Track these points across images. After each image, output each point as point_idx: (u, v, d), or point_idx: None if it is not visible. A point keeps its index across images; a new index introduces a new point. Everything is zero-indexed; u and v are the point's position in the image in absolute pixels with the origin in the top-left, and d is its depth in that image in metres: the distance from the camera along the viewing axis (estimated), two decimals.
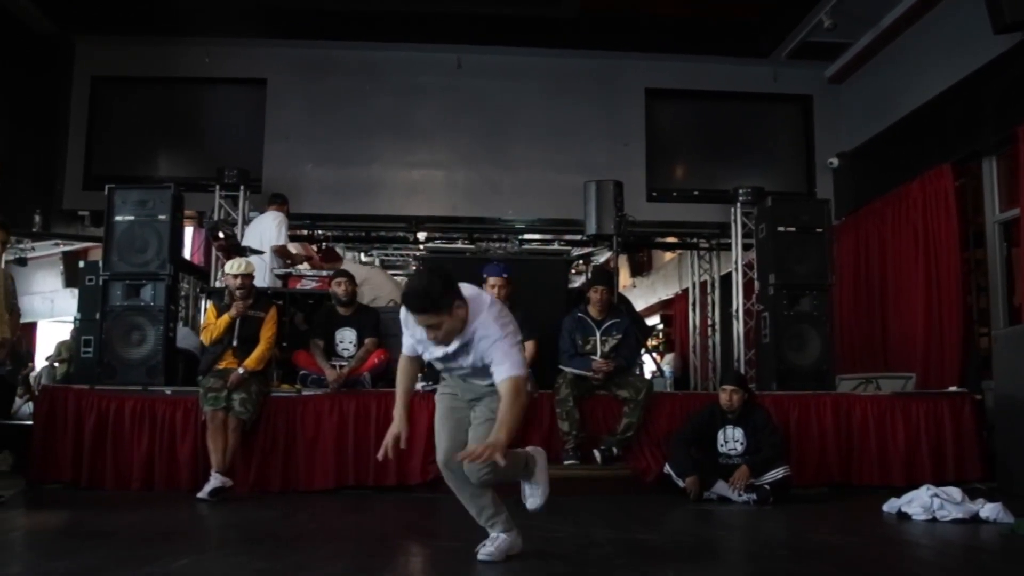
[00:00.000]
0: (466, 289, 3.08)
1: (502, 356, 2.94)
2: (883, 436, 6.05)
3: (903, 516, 4.63)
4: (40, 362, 11.56)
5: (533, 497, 3.33)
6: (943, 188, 7.41)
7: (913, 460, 5.99)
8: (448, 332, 2.97)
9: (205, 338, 5.78)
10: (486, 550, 3.19)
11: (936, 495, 4.59)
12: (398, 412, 3.23)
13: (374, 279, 7.63)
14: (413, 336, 3.20)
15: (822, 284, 6.64)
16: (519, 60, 9.09)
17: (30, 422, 6.11)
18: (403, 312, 3.09)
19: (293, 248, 7.65)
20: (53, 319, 13.72)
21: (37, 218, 8.57)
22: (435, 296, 2.89)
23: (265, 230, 7.38)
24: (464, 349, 3.04)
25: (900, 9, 7.82)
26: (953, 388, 6.51)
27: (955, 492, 4.62)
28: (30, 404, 7.60)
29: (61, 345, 11.03)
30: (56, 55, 8.75)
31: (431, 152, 9.01)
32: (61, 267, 12.58)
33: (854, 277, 8.71)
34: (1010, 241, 7.03)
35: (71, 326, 9.29)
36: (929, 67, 7.71)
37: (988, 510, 4.46)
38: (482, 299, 3.09)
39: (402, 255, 11.62)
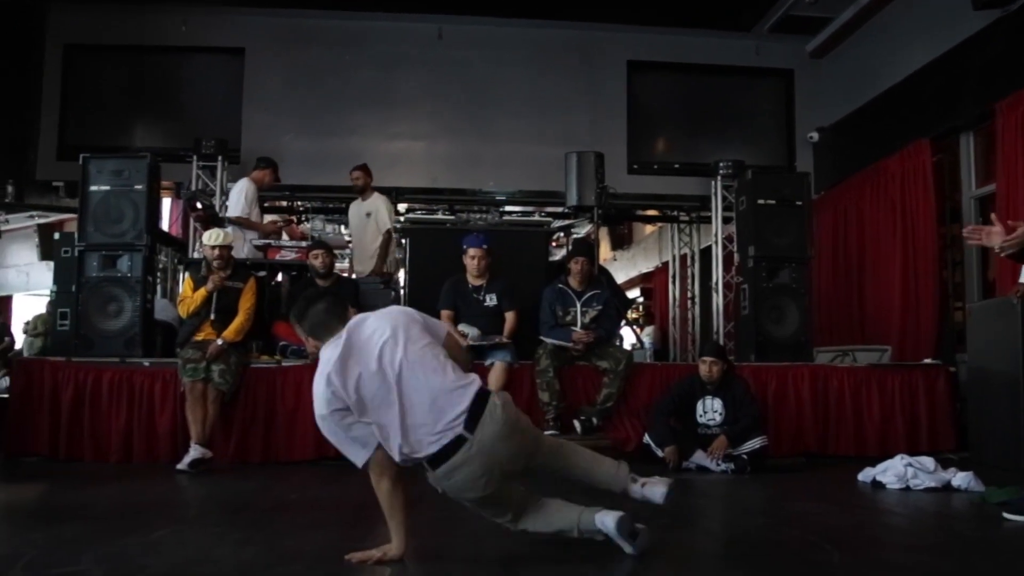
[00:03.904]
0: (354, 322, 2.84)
1: None
2: (859, 407, 6.13)
3: (877, 485, 4.70)
4: (18, 336, 11.44)
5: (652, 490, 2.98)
6: (921, 163, 7.46)
7: (888, 431, 6.08)
8: None
9: (182, 311, 5.74)
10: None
11: (910, 464, 4.66)
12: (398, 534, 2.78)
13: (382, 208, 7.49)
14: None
15: (801, 257, 6.68)
16: (501, 31, 9.01)
17: (6, 395, 6.05)
18: (323, 392, 2.75)
19: (265, 219, 7.48)
20: (29, 292, 13.58)
21: (10, 188, 8.44)
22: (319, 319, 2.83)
23: (232, 199, 7.30)
24: None
25: None
26: (928, 360, 6.60)
27: (928, 462, 4.69)
28: (7, 378, 7.52)
29: (37, 319, 10.91)
30: (28, 22, 8.56)
31: (412, 123, 8.95)
32: (36, 240, 12.45)
33: (832, 250, 8.78)
34: (986, 217, 7.06)
35: (47, 299, 9.20)
36: (909, 42, 7.72)
37: (960, 479, 4.54)
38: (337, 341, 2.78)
39: None
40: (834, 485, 5.07)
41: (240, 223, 7.03)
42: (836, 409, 6.13)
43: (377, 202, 7.43)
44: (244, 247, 6.88)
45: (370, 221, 7.29)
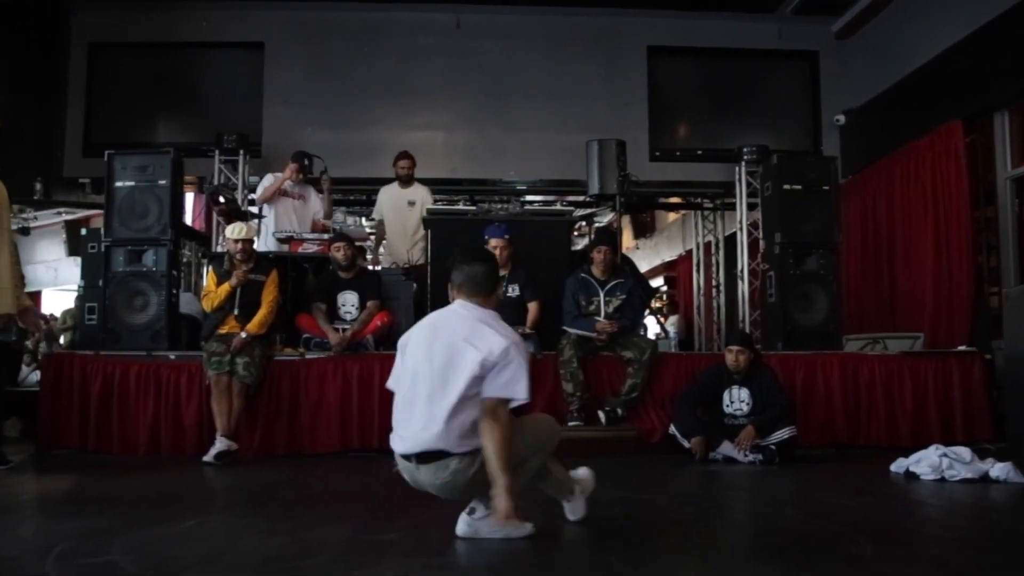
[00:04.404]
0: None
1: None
2: (891, 396, 6.02)
3: (911, 476, 4.60)
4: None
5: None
6: (953, 144, 7.30)
7: (921, 420, 5.96)
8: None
9: (206, 305, 5.78)
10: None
11: (945, 455, 4.55)
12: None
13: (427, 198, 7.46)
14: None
15: (829, 243, 6.58)
16: (519, 19, 8.95)
17: (37, 389, 6.13)
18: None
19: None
20: (57, 287, 13.77)
21: (38, 186, 8.54)
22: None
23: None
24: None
25: None
26: (962, 348, 6.46)
27: (964, 452, 4.57)
28: (37, 372, 7.63)
29: (66, 313, 11.06)
30: (54, 22, 8.64)
31: (431, 114, 8.92)
32: (64, 236, 12.60)
33: (861, 236, 8.64)
34: (1022, 198, 6.94)
35: (75, 294, 9.31)
36: (939, 20, 7.56)
37: (998, 470, 4.43)
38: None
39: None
40: (866, 476, 4.96)
41: (256, 204, 7.07)
42: (867, 398, 6.02)
43: (422, 192, 7.40)
44: (267, 240, 6.90)
45: (414, 210, 7.23)
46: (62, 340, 11.02)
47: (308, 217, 7.19)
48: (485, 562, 2.75)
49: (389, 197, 7.47)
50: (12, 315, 4.42)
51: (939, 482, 4.45)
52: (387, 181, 7.58)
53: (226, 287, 5.65)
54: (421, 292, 6.50)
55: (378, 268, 7.37)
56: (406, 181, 7.40)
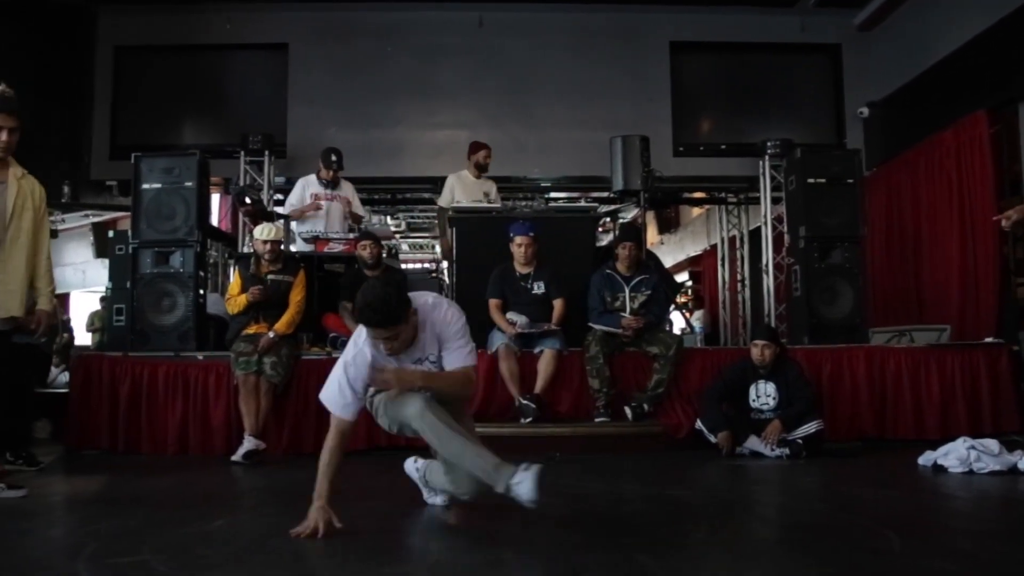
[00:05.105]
0: (416, 297, 3.14)
1: (456, 349, 3.10)
2: (917, 389, 5.96)
3: (939, 469, 4.57)
4: (82, 334, 11.75)
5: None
6: (977, 135, 7.23)
7: (948, 412, 5.90)
8: (404, 341, 3.03)
9: (230, 309, 5.82)
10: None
11: (973, 447, 4.51)
12: (322, 500, 3.07)
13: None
14: (355, 382, 3.11)
15: (854, 236, 6.54)
16: (541, 16, 8.97)
17: (66, 390, 6.21)
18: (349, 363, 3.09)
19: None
20: (85, 289, 13.92)
21: (66, 189, 8.65)
22: (395, 307, 2.92)
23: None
24: (418, 359, 3.15)
25: None
26: (989, 339, 6.39)
27: (992, 444, 4.54)
28: (66, 374, 7.73)
29: (94, 315, 11.20)
30: (79, 25, 8.75)
31: (455, 112, 8.94)
32: (91, 238, 12.72)
33: (886, 228, 8.57)
34: None
35: (100, 295, 9.42)
36: (962, 11, 7.48)
37: None
38: (431, 303, 3.14)
39: (428, 217, 11.58)
40: (893, 469, 4.94)
41: (289, 217, 7.11)
42: (894, 391, 5.97)
43: (494, 186, 7.36)
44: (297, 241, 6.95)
45: (487, 201, 7.12)
46: (91, 341, 11.17)
47: (347, 213, 7.14)
48: (512, 558, 2.76)
49: (462, 184, 7.29)
50: (23, 317, 4.38)
51: (967, 475, 4.42)
52: (412, 181, 7.57)
53: (244, 298, 5.70)
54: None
55: (430, 266, 7.35)
56: (483, 170, 7.35)
